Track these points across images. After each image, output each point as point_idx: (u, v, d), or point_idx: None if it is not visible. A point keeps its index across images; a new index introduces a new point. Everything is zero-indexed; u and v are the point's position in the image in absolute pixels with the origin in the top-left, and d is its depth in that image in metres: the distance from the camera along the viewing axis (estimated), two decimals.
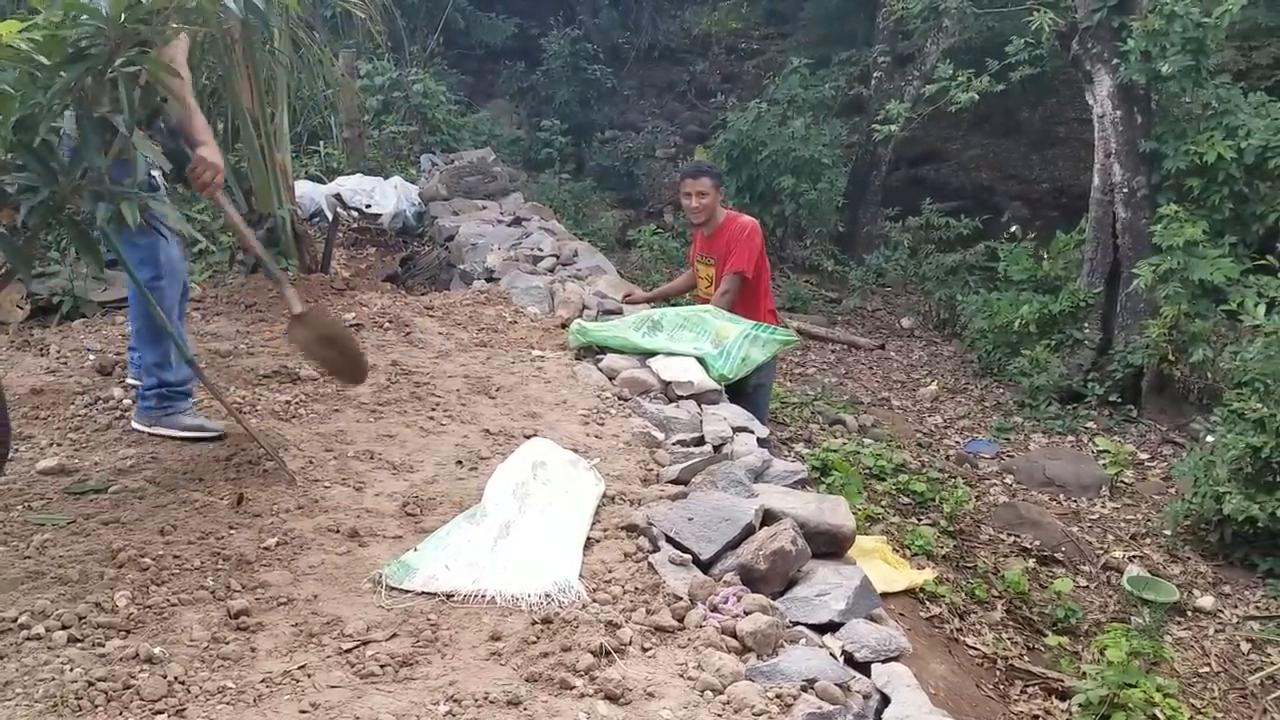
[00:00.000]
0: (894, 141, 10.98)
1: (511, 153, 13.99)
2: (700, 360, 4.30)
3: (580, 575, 2.71)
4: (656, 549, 2.88)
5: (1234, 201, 7.74)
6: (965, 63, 9.11)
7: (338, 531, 2.89)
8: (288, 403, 3.82)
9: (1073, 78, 14.42)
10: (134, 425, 3.54)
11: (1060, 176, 17.45)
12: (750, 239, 4.93)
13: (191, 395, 3.60)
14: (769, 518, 3.02)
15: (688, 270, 5.80)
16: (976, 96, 8.34)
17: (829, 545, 3.01)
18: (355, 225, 8.17)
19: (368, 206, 8.36)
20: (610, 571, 2.76)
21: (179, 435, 3.47)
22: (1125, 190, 8.03)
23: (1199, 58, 7.53)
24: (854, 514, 5.35)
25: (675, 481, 3.35)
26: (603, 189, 13.98)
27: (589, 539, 2.93)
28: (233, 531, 2.86)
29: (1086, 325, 8.26)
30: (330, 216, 8.00)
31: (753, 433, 3.95)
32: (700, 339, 4.41)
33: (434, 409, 3.89)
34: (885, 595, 4.62)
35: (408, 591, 2.61)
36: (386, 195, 8.45)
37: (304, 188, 8.02)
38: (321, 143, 9.64)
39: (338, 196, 8.32)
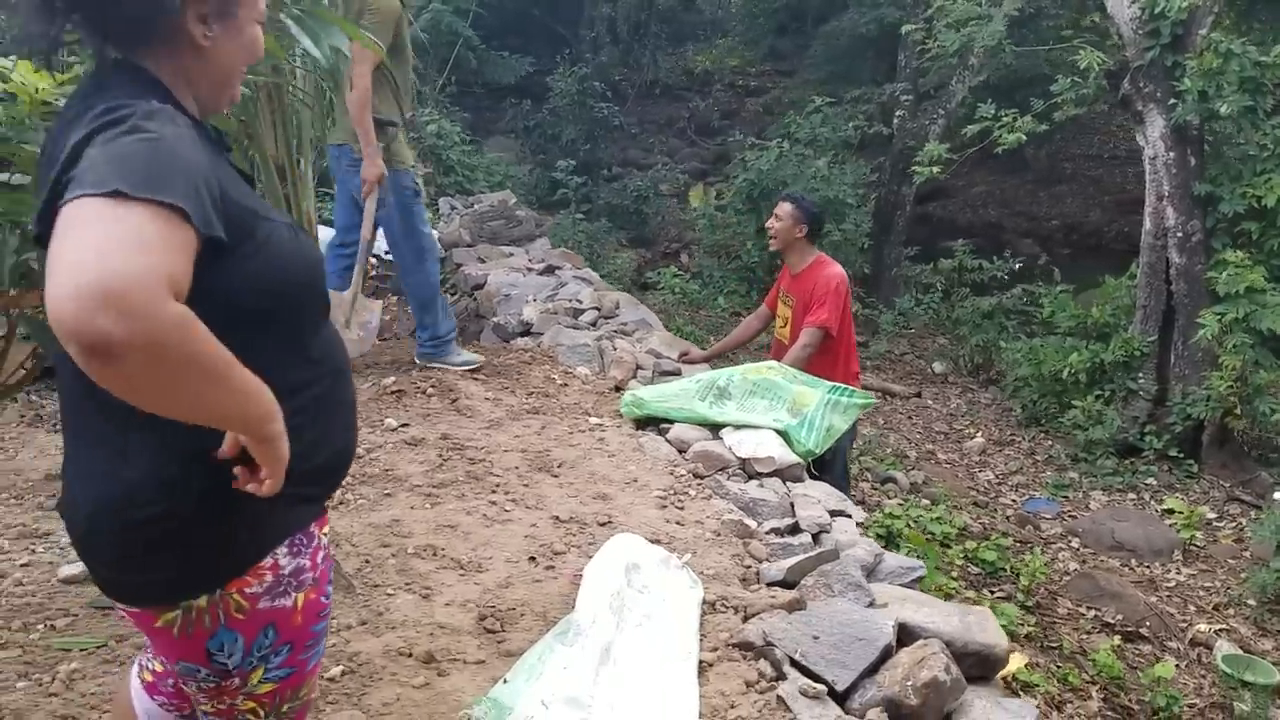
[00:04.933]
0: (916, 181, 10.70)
1: (522, 194, 13.69)
2: (780, 432, 3.91)
3: (700, 714, 2.31)
4: (780, 675, 2.48)
5: None
6: (987, 101, 8.80)
7: (410, 655, 2.47)
8: None
9: (1081, 115, 14.25)
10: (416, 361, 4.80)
11: (1070, 214, 17.26)
12: (837, 291, 4.58)
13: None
14: (905, 634, 2.62)
15: (748, 318, 5.43)
16: (1024, 137, 8.02)
17: (978, 668, 2.61)
18: (374, 273, 7.79)
19: (386, 253, 7.95)
20: (733, 708, 2.36)
21: (454, 367, 4.72)
22: (1179, 235, 7.68)
23: (1257, 98, 7.23)
24: (932, 592, 4.97)
25: (781, 584, 2.95)
26: (614, 228, 13.67)
27: (700, 661, 2.53)
28: None
29: (1141, 375, 7.88)
30: None
31: (850, 516, 3.56)
32: (776, 407, 4.01)
33: (494, 491, 3.49)
34: None
35: None
36: None
37: (321, 234, 7.65)
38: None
39: None
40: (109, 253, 1.06)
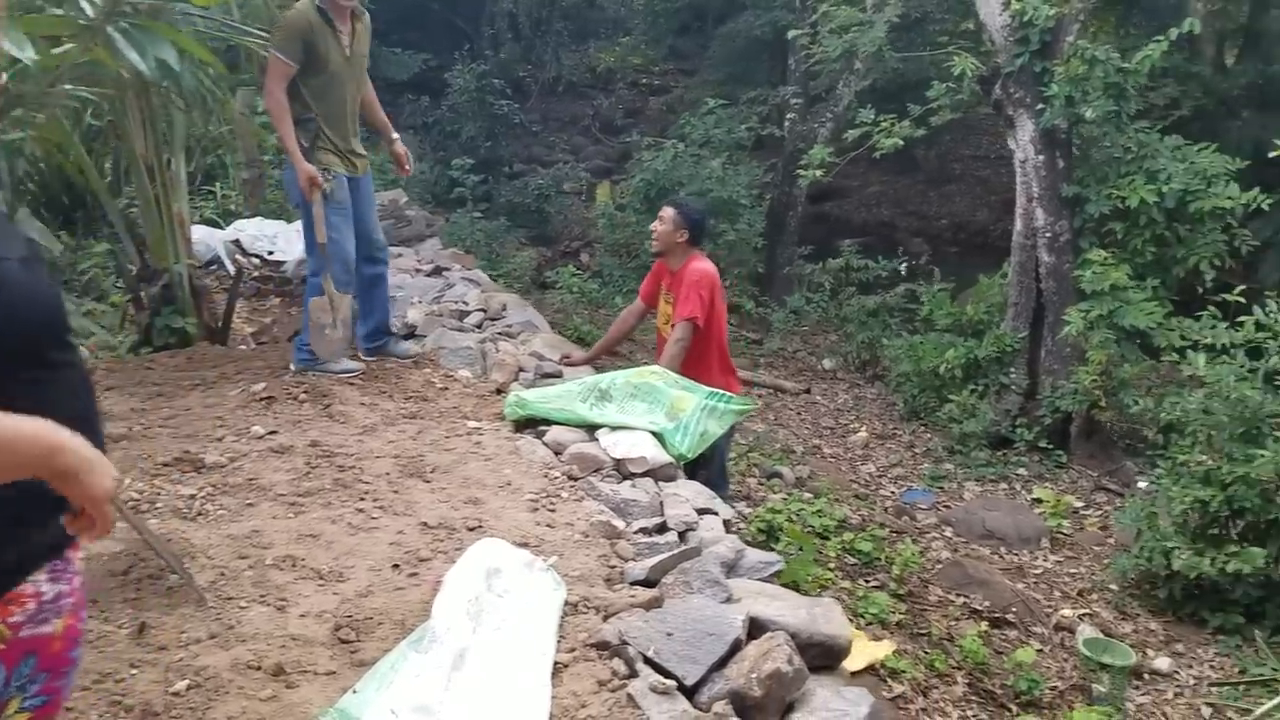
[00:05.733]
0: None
1: (420, 191, 13.53)
2: (656, 434, 3.98)
3: (551, 715, 2.35)
4: (634, 673, 2.53)
5: (1155, 245, 7.79)
6: (873, 104, 9.06)
7: (259, 668, 2.46)
8: (192, 497, 3.36)
9: (968, 118, 14.73)
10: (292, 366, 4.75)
11: (958, 213, 17.78)
12: (698, 285, 4.71)
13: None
14: (756, 628, 2.70)
15: (622, 313, 5.50)
16: (901, 141, 8.28)
17: (822, 658, 2.71)
18: (256, 274, 7.63)
19: (270, 253, 7.82)
20: (584, 707, 2.40)
21: (332, 374, 4.67)
22: (1048, 235, 8.03)
23: (1120, 103, 7.59)
24: (808, 583, 5.11)
25: (643, 583, 3.01)
26: (514, 227, 13.61)
27: (555, 663, 2.57)
28: (135, 672, 2.41)
29: (1012, 370, 8.21)
30: (229, 264, 7.46)
31: (717, 514, 3.64)
32: (654, 410, 4.08)
33: (362, 498, 3.47)
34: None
35: None
36: (291, 241, 7.91)
37: (199, 233, 7.45)
38: (218, 184, 9.05)
39: (237, 243, 7.77)
40: None
